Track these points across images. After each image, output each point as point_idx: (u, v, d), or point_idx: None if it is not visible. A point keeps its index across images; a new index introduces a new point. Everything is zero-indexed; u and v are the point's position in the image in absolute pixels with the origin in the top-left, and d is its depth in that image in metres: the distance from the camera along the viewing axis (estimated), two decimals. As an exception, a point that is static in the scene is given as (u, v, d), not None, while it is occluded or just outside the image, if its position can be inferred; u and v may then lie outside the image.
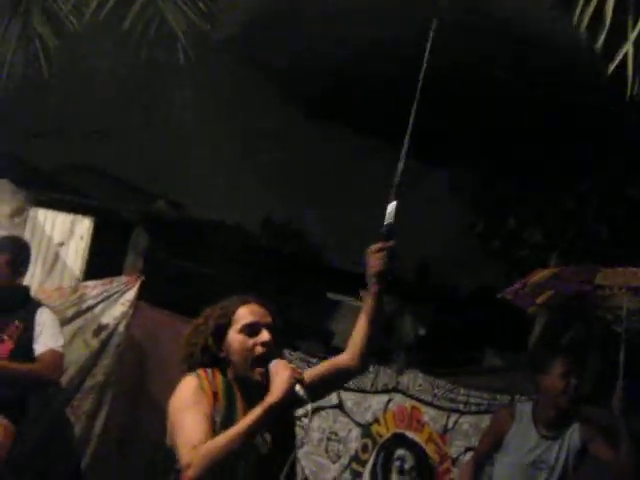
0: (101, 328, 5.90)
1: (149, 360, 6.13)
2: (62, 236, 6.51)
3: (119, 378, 5.92)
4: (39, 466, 5.52)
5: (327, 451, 5.56)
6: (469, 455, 4.78)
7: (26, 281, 5.25)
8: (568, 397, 4.11)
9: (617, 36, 3.00)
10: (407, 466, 5.19)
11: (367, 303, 2.88)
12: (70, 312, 5.86)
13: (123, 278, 6.18)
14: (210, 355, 2.78)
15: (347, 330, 2.93)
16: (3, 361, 4.67)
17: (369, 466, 5.34)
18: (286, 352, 4.96)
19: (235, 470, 2.61)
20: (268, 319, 2.81)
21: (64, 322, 5.51)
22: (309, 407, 2.65)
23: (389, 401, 5.37)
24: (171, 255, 9.31)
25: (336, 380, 2.99)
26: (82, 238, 6.48)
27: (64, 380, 5.49)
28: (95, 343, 5.86)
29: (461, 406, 5.05)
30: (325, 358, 3.05)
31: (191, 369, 2.77)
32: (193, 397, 2.65)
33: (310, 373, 2.86)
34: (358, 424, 5.47)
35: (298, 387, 2.61)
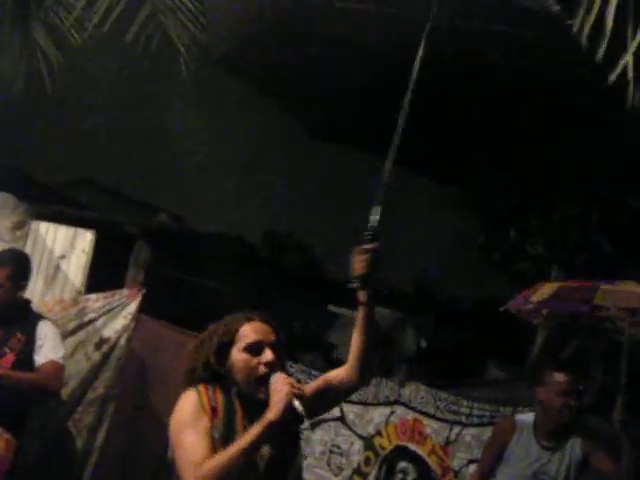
0: (103, 341, 5.89)
1: (150, 373, 6.13)
2: (63, 249, 6.52)
3: (120, 391, 5.91)
4: (41, 479, 5.51)
5: (329, 464, 5.54)
6: (472, 467, 4.76)
7: (27, 294, 5.24)
8: (567, 411, 4.11)
9: (617, 43, 3.01)
10: (410, 479, 5.17)
11: (358, 314, 2.87)
12: (71, 325, 5.85)
13: (124, 291, 6.18)
14: (212, 372, 2.78)
15: (348, 342, 2.93)
16: (5, 370, 4.68)
17: (371, 479, 5.32)
18: (287, 364, 4.95)
19: None
20: (272, 337, 2.80)
21: (65, 335, 5.51)
22: (307, 423, 2.64)
23: (391, 413, 5.35)
24: (173, 268, 9.32)
25: (336, 394, 2.96)
26: (83, 251, 6.49)
27: (65, 393, 5.49)
28: (96, 356, 5.86)
29: (463, 418, 5.03)
30: (326, 370, 3.04)
31: (192, 384, 2.76)
32: (192, 415, 2.65)
33: (310, 387, 2.85)
34: (360, 437, 5.45)
35: (297, 403, 2.60)
